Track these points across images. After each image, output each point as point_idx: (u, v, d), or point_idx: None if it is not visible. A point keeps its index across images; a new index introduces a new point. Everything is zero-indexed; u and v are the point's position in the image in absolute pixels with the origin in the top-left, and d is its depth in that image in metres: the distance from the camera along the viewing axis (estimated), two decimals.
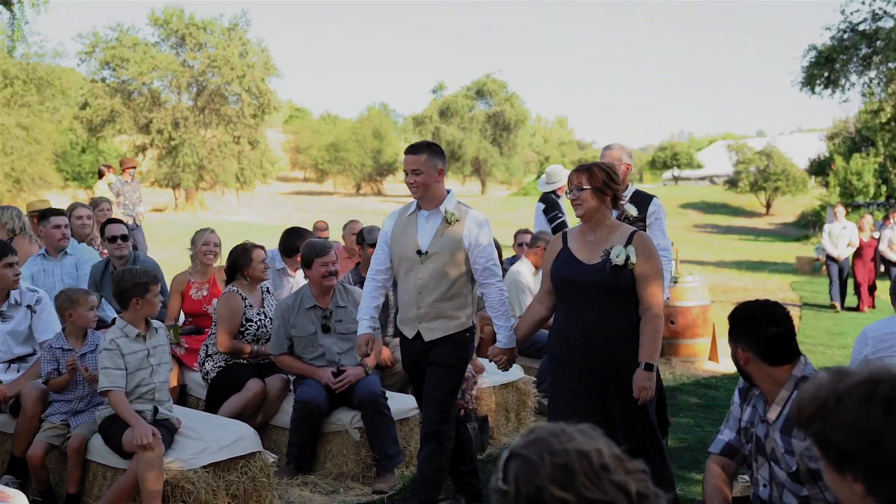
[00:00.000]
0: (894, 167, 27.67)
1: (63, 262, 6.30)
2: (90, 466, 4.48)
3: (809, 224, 31.17)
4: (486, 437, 5.90)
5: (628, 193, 5.38)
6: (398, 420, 5.48)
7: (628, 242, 3.96)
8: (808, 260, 19.47)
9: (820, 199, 31.60)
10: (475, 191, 58.77)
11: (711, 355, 8.84)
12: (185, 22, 39.03)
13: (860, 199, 27.08)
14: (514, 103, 59.19)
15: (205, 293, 6.17)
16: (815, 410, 1.63)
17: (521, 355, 6.91)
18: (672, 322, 8.51)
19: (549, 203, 8.74)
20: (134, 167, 14.30)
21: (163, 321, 5.96)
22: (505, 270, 7.77)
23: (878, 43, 22.93)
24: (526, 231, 8.86)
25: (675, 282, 9.29)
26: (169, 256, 16.71)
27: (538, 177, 58.06)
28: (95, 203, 9.39)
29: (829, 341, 10.46)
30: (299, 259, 5.71)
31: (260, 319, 5.54)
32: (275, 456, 4.87)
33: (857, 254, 13.71)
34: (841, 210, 14.57)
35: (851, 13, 23.52)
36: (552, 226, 8.64)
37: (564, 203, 8.90)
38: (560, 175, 8.85)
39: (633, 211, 5.25)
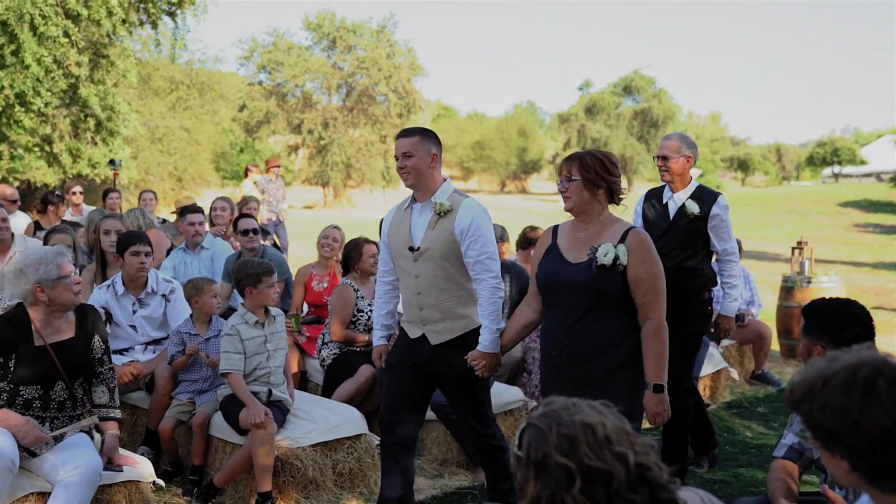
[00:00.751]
0: None
1: (200, 255, 6.82)
2: (212, 441, 4.87)
3: None
4: None
5: (690, 189, 5.09)
6: (504, 412, 5.64)
7: (622, 240, 3.50)
8: None
9: None
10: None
11: None
12: (336, 25, 40.53)
13: None
14: (663, 99, 57.87)
15: (325, 285, 6.55)
16: (803, 393, 1.71)
17: None
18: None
19: None
20: (278, 166, 15.06)
21: (287, 311, 6.37)
22: None
23: None
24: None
25: (809, 282, 8.97)
26: (313, 252, 17.46)
27: None
28: (245, 202, 10.01)
29: None
30: None
31: (371, 310, 5.83)
32: (378, 438, 5.12)
33: None
34: None
35: None
36: None
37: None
38: None
39: (694, 208, 4.99)
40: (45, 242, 6.27)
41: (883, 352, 1.76)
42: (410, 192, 4.12)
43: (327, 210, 38.33)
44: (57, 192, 9.47)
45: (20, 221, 8.57)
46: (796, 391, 1.76)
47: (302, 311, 6.66)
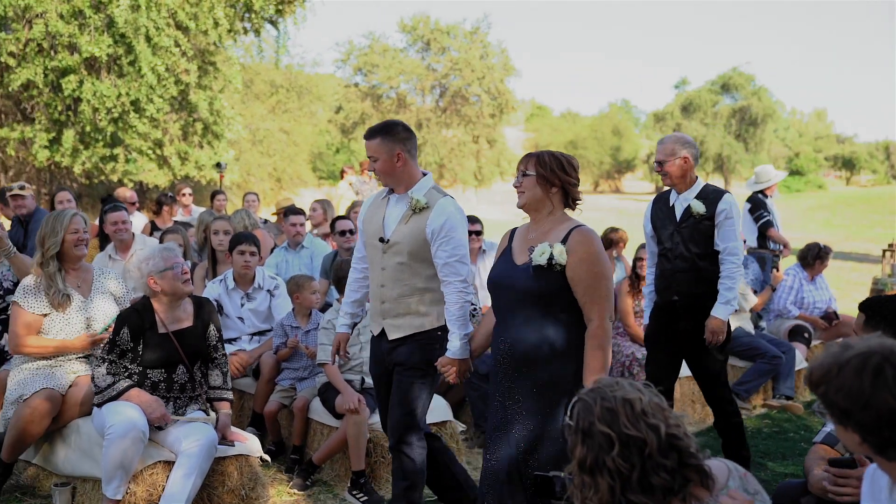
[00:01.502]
0: None
1: (300, 253, 7.32)
2: (311, 423, 5.33)
3: None
4: None
5: (696, 188, 4.97)
6: None
7: (564, 240, 3.38)
8: None
9: None
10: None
11: None
12: (431, 27, 41.26)
13: None
14: (763, 97, 56.57)
15: None
16: (821, 376, 2.00)
17: (729, 353, 7.11)
18: None
19: (755, 203, 8.81)
20: (372, 168, 15.66)
21: None
22: None
23: None
24: None
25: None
26: None
27: (790, 173, 55.17)
28: (353, 206, 10.57)
29: None
30: None
31: None
32: (464, 426, 5.51)
33: None
34: None
35: None
36: (758, 225, 8.67)
37: (772, 203, 8.87)
38: (769, 175, 8.91)
39: (699, 208, 4.87)
40: (161, 242, 6.87)
41: (891, 341, 2.03)
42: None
43: None
44: (169, 194, 10.19)
45: (138, 221, 9.30)
46: (814, 374, 2.04)
47: None
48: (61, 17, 14.13)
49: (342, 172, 15.08)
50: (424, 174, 4.02)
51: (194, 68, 16.24)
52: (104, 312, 4.79)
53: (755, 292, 7.64)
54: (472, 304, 3.91)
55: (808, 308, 7.86)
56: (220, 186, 13.14)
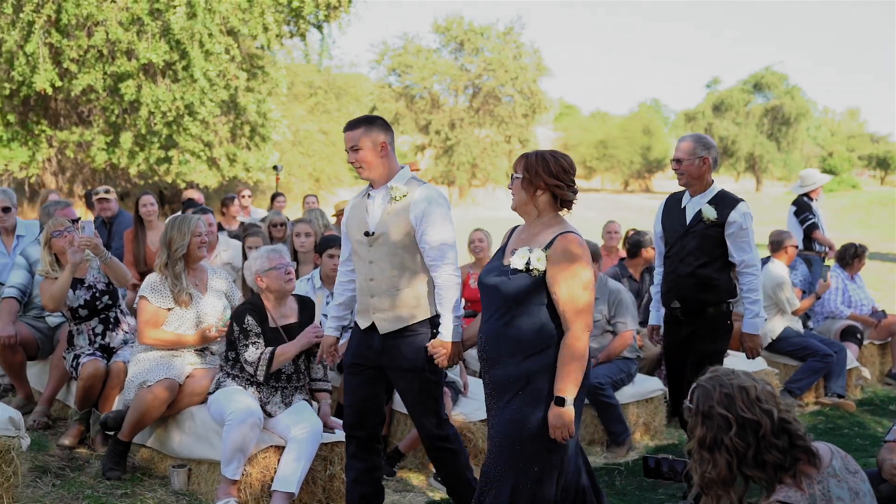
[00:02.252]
0: None
1: None
2: (395, 414, 5.73)
3: None
4: None
5: (710, 193, 4.83)
6: (644, 399, 6.31)
7: (550, 245, 3.39)
8: None
9: None
10: (749, 187, 56.65)
11: None
12: (465, 28, 41.62)
13: None
14: (795, 96, 56.35)
15: None
16: None
17: (780, 353, 7.41)
18: None
19: (801, 206, 9.11)
20: (417, 170, 16.07)
21: None
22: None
23: None
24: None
25: None
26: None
27: (821, 173, 54.88)
28: None
29: None
30: None
31: None
32: None
33: None
34: None
35: None
36: (804, 228, 8.95)
37: (817, 206, 9.15)
38: (814, 179, 9.22)
39: (711, 214, 4.73)
40: (243, 243, 7.29)
41: None
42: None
43: (453, 209, 39.33)
44: (231, 195, 10.65)
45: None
46: None
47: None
48: (120, 24, 14.66)
49: None
50: (402, 167, 4.06)
51: (244, 75, 16.73)
52: (215, 309, 5.20)
53: (803, 293, 7.92)
54: None
55: (856, 306, 8.13)
56: (277, 188, 13.60)
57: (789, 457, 2.38)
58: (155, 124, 15.79)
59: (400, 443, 5.50)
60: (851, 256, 8.24)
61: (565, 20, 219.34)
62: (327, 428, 4.81)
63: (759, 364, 6.95)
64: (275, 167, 13.51)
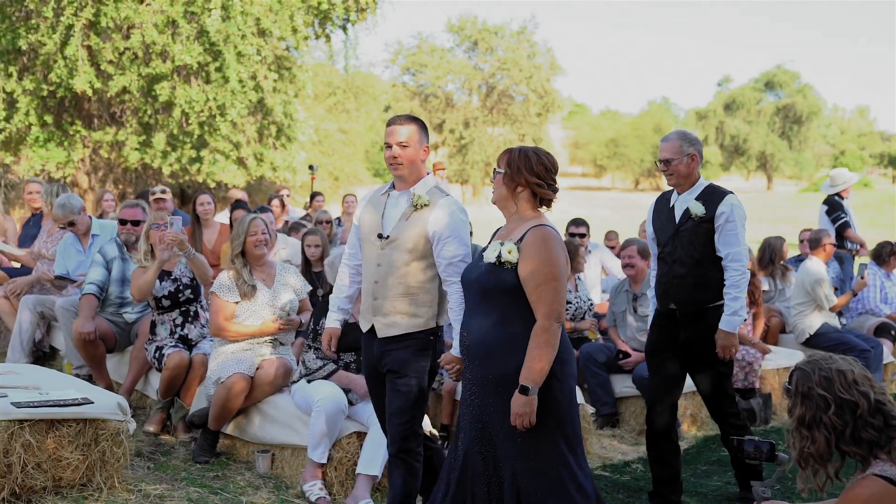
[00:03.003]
0: None
1: None
2: (456, 404, 6.01)
3: None
4: (769, 412, 6.82)
5: (697, 189, 4.69)
6: (690, 392, 6.56)
7: (521, 238, 3.45)
8: None
9: None
10: (760, 186, 56.82)
11: None
12: (478, 28, 41.96)
13: None
14: (807, 94, 56.51)
15: None
16: None
17: (818, 348, 7.66)
18: None
19: (832, 205, 9.37)
20: (443, 169, 16.37)
21: None
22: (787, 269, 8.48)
23: None
24: (808, 229, 9.42)
25: None
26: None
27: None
28: None
29: None
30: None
31: (577, 301, 6.85)
32: (592, 408, 6.18)
33: None
34: None
35: None
36: (836, 226, 9.22)
37: (847, 204, 9.42)
38: (845, 178, 9.48)
39: (698, 210, 4.60)
40: (302, 241, 7.57)
41: None
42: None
43: (468, 207, 39.62)
44: (274, 195, 10.96)
45: None
46: None
47: None
48: (155, 26, 14.96)
49: None
50: (428, 173, 4.01)
51: (275, 76, 17.03)
52: (285, 302, 5.50)
53: (836, 290, 8.18)
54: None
55: (892, 304, 8.39)
56: (312, 188, 13.92)
57: (884, 435, 2.66)
58: (188, 125, 16.10)
59: None
60: (888, 254, 8.49)
61: (572, 19, 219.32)
62: None
63: (798, 358, 7.22)
64: (310, 167, 13.82)
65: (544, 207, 3.57)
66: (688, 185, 4.71)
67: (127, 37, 15.10)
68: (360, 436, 4.95)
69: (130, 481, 4.67)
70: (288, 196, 11.86)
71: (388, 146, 3.92)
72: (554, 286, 3.38)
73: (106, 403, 4.54)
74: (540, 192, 3.49)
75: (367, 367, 4.14)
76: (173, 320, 5.88)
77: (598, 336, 6.95)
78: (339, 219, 10.65)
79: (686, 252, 4.65)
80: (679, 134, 4.75)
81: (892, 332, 8.11)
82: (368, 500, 4.65)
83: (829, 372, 2.71)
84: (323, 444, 4.81)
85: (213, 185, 17.81)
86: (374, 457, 4.79)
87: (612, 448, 6.18)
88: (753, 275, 7.16)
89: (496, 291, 3.45)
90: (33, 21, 14.93)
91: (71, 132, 16.53)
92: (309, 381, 5.00)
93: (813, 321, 7.66)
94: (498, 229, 3.69)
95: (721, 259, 4.64)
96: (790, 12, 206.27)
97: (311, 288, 5.96)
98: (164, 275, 5.81)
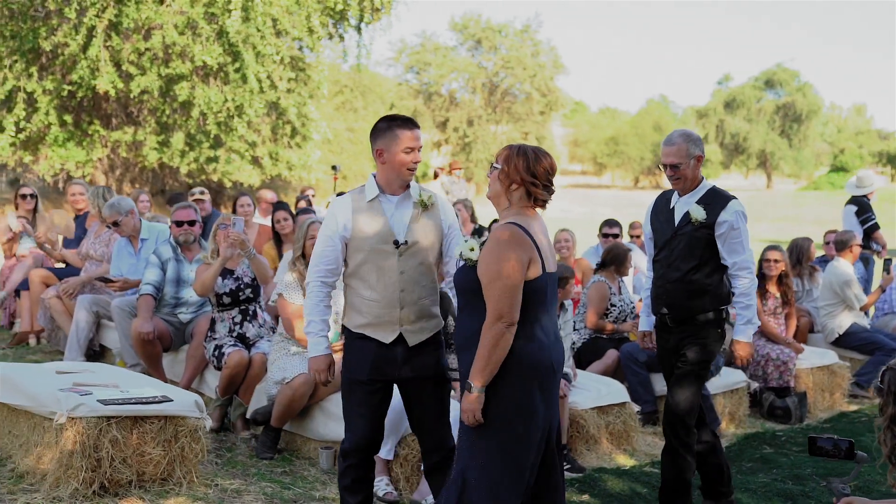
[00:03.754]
0: None
1: None
2: None
3: None
4: (804, 410, 7.00)
5: (699, 192, 4.55)
6: (728, 391, 6.77)
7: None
8: None
9: None
10: (759, 184, 57.06)
11: None
12: (482, 26, 42.05)
13: None
14: (807, 93, 56.72)
15: None
16: None
17: (848, 347, 7.87)
18: None
19: (861, 206, 9.55)
20: (460, 168, 16.60)
21: None
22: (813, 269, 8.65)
23: None
24: (834, 231, 9.58)
25: None
26: None
27: (830, 170, 55.28)
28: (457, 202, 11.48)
29: None
30: None
31: (621, 304, 7.02)
32: (638, 407, 6.35)
33: None
34: None
35: None
36: (864, 227, 9.40)
37: (876, 206, 9.61)
38: (871, 180, 9.66)
39: (699, 215, 4.45)
40: None
41: None
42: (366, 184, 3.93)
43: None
44: (303, 195, 11.11)
45: None
46: None
47: None
48: (175, 27, 15.10)
49: (435, 174, 15.96)
50: None
51: (291, 76, 17.18)
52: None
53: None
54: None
55: None
56: (335, 188, 14.05)
57: None
58: (206, 125, 16.24)
59: None
60: None
61: (571, 17, 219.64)
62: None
63: (831, 357, 7.44)
64: (333, 167, 13.95)
65: (537, 207, 3.52)
66: (690, 186, 4.57)
67: (147, 37, 15.24)
68: None
69: (206, 476, 4.83)
70: (313, 196, 12.00)
71: (411, 150, 3.80)
72: (499, 286, 3.30)
73: (184, 401, 4.70)
74: (534, 192, 3.45)
75: (377, 374, 3.86)
76: (232, 318, 6.04)
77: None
78: None
79: (682, 256, 4.51)
80: (683, 136, 4.56)
81: None
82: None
83: None
84: (389, 441, 4.97)
85: (228, 184, 17.97)
86: None
87: (655, 445, 6.35)
88: (787, 275, 7.37)
89: (466, 289, 3.47)
90: (54, 21, 15.06)
91: (90, 132, 16.66)
92: None
93: (842, 321, 7.85)
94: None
95: (717, 266, 4.52)
96: (790, 11, 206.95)
97: None
98: (226, 273, 5.98)
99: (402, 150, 3.79)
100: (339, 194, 11.81)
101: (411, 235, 3.82)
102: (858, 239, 8.29)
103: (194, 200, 8.70)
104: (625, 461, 5.94)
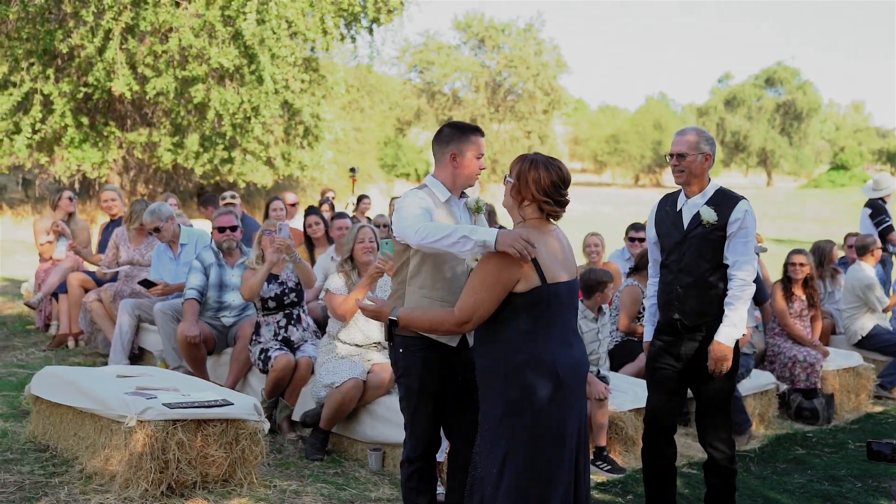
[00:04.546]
0: None
1: None
2: None
3: None
4: (831, 411, 7.15)
5: (708, 192, 4.41)
6: (758, 392, 6.91)
7: None
8: None
9: None
10: (759, 183, 57.25)
11: None
12: (485, 25, 42.15)
13: None
14: (807, 91, 56.90)
15: None
16: None
17: (871, 349, 8.02)
18: None
19: (876, 208, 9.67)
20: (483, 167, 16.76)
21: None
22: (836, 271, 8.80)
23: None
24: (854, 234, 9.70)
25: None
26: None
27: (830, 168, 55.45)
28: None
29: None
30: None
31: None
32: None
33: None
34: None
35: None
36: (879, 230, 9.53)
37: (891, 209, 9.75)
38: (888, 183, 9.77)
39: (710, 216, 4.31)
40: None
41: None
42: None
43: None
44: (324, 199, 11.23)
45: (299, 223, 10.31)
46: None
47: None
48: (192, 29, 15.21)
49: None
50: None
51: (307, 77, 17.30)
52: None
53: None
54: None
55: None
56: (353, 190, 14.16)
57: None
58: (222, 126, 16.35)
59: None
60: None
61: (570, 16, 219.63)
62: None
63: (856, 359, 7.59)
64: (352, 169, 14.06)
65: (549, 220, 3.52)
66: (698, 187, 4.42)
67: (164, 40, 15.34)
68: None
69: (265, 478, 4.97)
70: (333, 198, 12.12)
71: (481, 156, 3.91)
72: (476, 286, 3.36)
73: (244, 405, 4.84)
74: (547, 209, 3.46)
75: (441, 384, 3.91)
76: (277, 322, 6.17)
77: None
78: (354, 217, 10.85)
79: (694, 260, 4.35)
80: (697, 130, 4.43)
81: None
82: None
83: None
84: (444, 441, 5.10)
85: (242, 185, 18.07)
86: None
87: (690, 446, 6.48)
88: (812, 277, 7.51)
89: None
90: (70, 24, 15.17)
91: (105, 133, 16.77)
92: None
93: (865, 323, 8.00)
94: None
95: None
96: (782, 7, 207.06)
97: None
98: (271, 277, 6.11)
99: (476, 155, 3.92)
100: (362, 196, 11.88)
101: None
102: (878, 242, 8.43)
103: (225, 204, 8.83)
104: None
